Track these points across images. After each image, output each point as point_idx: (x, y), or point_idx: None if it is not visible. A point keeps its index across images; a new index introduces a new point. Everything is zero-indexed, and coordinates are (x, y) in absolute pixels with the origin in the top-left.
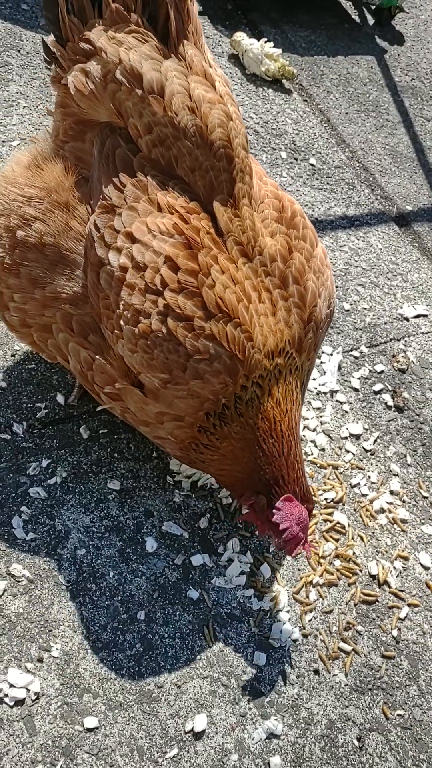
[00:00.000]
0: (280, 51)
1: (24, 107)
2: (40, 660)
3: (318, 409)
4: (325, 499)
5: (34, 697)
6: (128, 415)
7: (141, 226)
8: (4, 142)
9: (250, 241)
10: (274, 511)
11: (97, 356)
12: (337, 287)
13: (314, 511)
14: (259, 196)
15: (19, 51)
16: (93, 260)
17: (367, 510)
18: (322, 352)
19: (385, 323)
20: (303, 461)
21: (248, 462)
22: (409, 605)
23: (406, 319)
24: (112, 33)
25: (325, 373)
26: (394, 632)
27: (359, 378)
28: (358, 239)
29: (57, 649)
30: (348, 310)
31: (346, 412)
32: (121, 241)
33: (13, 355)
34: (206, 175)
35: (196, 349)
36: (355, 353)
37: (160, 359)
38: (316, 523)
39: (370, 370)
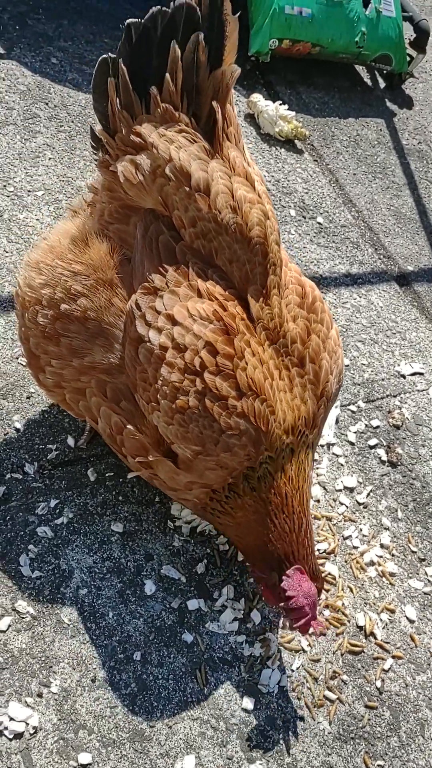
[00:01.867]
0: (293, 113)
1: (50, 158)
2: (40, 695)
3: (315, 461)
4: (318, 550)
5: (32, 731)
6: (156, 481)
7: (182, 309)
8: (29, 191)
9: (277, 327)
10: (283, 577)
11: (128, 425)
12: None
13: None
14: (285, 281)
15: (47, 104)
16: (133, 336)
17: (357, 562)
18: None
19: (383, 379)
20: (314, 539)
21: (261, 535)
22: (393, 657)
23: (403, 377)
24: (163, 130)
25: None
26: (378, 683)
27: (355, 432)
28: (360, 297)
29: (56, 685)
30: (347, 365)
31: (342, 465)
32: (162, 322)
33: (28, 398)
34: (243, 267)
35: (229, 425)
36: (353, 407)
37: (195, 433)
38: None
39: (366, 425)
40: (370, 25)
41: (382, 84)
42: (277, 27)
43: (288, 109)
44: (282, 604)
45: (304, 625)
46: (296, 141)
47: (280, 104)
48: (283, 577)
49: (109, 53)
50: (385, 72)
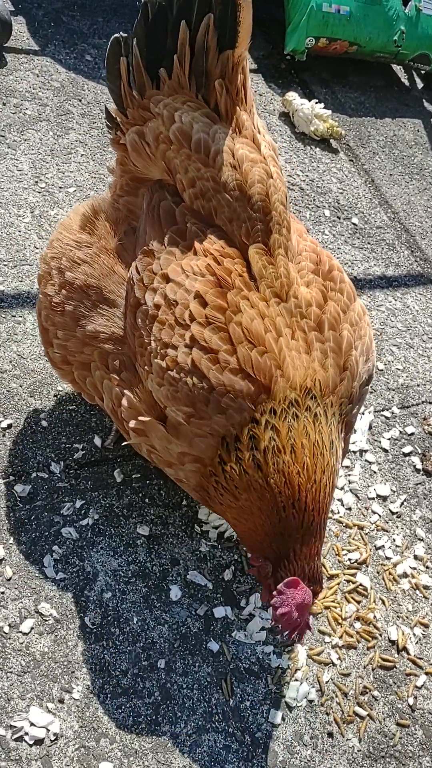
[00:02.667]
0: (329, 112)
1: (82, 155)
2: (61, 701)
3: (347, 467)
4: (349, 560)
5: (53, 738)
6: (154, 455)
7: (176, 267)
8: (61, 188)
9: (284, 287)
10: (274, 593)
11: (126, 391)
12: None
13: (338, 571)
14: (297, 249)
15: (80, 100)
16: (132, 301)
17: (390, 573)
18: None
19: (418, 385)
20: (323, 539)
21: (264, 525)
22: (426, 673)
23: None
24: (169, 100)
25: (355, 431)
26: (410, 700)
27: (389, 439)
28: (396, 300)
29: (78, 691)
30: (382, 370)
31: (375, 472)
32: (157, 282)
33: (55, 396)
34: (243, 225)
35: (220, 382)
36: (387, 413)
37: (184, 391)
38: (339, 583)
39: (400, 432)
40: (409, 24)
41: (419, 84)
42: (314, 25)
43: (323, 108)
44: (273, 617)
45: (290, 633)
46: (331, 140)
47: (316, 103)
48: (275, 593)
49: (121, 32)
50: (423, 72)
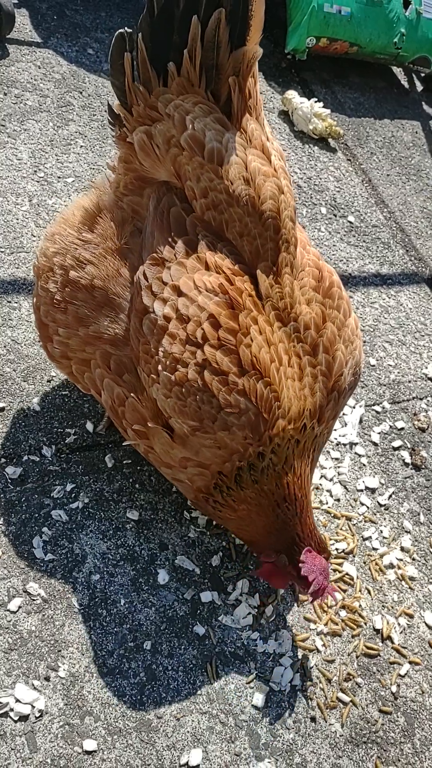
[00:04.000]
0: (328, 111)
1: (81, 146)
2: (47, 678)
3: (336, 459)
4: (337, 549)
5: (38, 714)
6: (151, 455)
7: (188, 281)
8: (59, 177)
9: (287, 308)
10: (300, 565)
11: (131, 394)
12: (364, 342)
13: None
14: (301, 264)
15: (81, 93)
16: (138, 307)
17: (376, 564)
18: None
19: (409, 381)
20: (313, 514)
21: (264, 525)
22: (410, 662)
23: (431, 380)
24: (179, 101)
25: (346, 425)
26: (393, 688)
27: (379, 433)
28: (389, 297)
29: (64, 669)
30: (374, 366)
31: (364, 465)
32: (167, 293)
33: (49, 381)
34: (254, 241)
35: (228, 402)
36: (378, 408)
37: (193, 407)
38: None
39: (390, 426)
40: (409, 26)
41: (419, 87)
42: (315, 25)
43: (322, 107)
44: (305, 589)
45: (323, 596)
46: (330, 139)
47: (315, 101)
48: (300, 565)
49: (126, 27)
50: (423, 75)
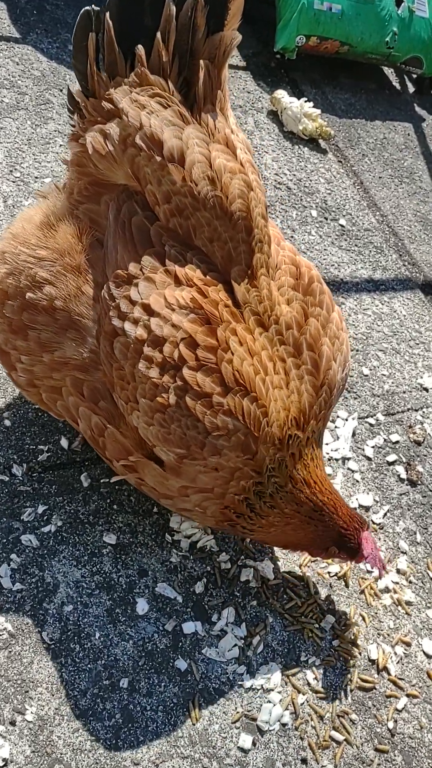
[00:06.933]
0: (319, 111)
1: (60, 145)
2: (13, 723)
3: (329, 475)
4: (328, 573)
5: (1, 764)
6: (144, 487)
7: (159, 298)
8: (37, 178)
9: (267, 311)
10: (364, 554)
11: (109, 425)
12: (357, 351)
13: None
14: (276, 262)
15: (61, 90)
16: (107, 329)
17: (371, 588)
18: (337, 417)
19: (404, 392)
20: (341, 496)
21: (304, 536)
22: (408, 695)
23: (426, 390)
24: (135, 95)
25: (338, 438)
26: (390, 724)
27: (373, 447)
28: (383, 304)
29: (32, 712)
30: (367, 375)
31: (357, 481)
32: (138, 313)
33: (20, 393)
34: (225, 246)
35: (215, 426)
36: (371, 420)
37: (177, 434)
38: (316, 599)
39: (384, 439)
40: (401, 25)
41: (411, 88)
42: (305, 22)
43: (313, 107)
44: (375, 568)
45: (381, 568)
46: (320, 140)
47: (305, 101)
48: (364, 554)
49: (93, 5)
50: (415, 75)
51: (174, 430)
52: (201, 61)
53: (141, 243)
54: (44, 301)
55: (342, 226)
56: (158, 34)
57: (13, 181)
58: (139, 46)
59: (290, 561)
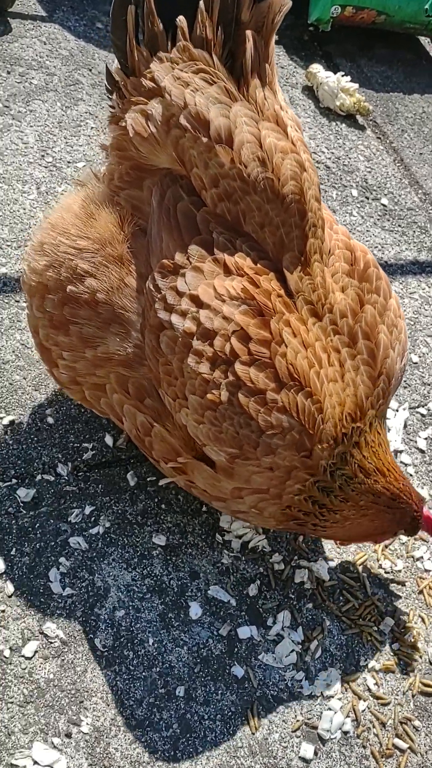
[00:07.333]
0: (356, 86)
1: (92, 128)
2: (68, 735)
3: None
4: (384, 570)
5: None
6: (195, 490)
7: (208, 289)
8: (69, 162)
9: (321, 299)
10: (422, 522)
11: (155, 423)
12: None
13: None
14: (330, 247)
15: (90, 70)
16: (153, 322)
17: (430, 588)
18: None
19: None
20: (409, 480)
21: (382, 524)
22: None
23: None
24: (179, 72)
25: (389, 430)
26: None
27: (426, 438)
28: (430, 287)
29: (87, 723)
30: (416, 363)
31: (411, 475)
32: (186, 304)
33: (61, 390)
34: (276, 231)
35: (269, 424)
36: (423, 410)
37: (230, 433)
38: (374, 600)
39: None
40: None
41: None
42: None
43: (350, 81)
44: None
45: None
46: (358, 116)
47: (342, 75)
48: (423, 522)
49: None
50: None
51: (226, 429)
52: (247, 32)
53: (187, 230)
54: (86, 294)
55: (384, 205)
56: (201, 3)
57: (45, 167)
58: (181, 18)
59: (344, 560)
